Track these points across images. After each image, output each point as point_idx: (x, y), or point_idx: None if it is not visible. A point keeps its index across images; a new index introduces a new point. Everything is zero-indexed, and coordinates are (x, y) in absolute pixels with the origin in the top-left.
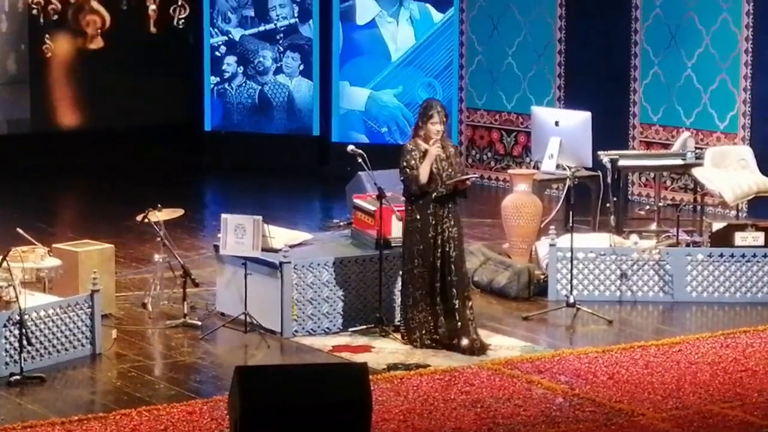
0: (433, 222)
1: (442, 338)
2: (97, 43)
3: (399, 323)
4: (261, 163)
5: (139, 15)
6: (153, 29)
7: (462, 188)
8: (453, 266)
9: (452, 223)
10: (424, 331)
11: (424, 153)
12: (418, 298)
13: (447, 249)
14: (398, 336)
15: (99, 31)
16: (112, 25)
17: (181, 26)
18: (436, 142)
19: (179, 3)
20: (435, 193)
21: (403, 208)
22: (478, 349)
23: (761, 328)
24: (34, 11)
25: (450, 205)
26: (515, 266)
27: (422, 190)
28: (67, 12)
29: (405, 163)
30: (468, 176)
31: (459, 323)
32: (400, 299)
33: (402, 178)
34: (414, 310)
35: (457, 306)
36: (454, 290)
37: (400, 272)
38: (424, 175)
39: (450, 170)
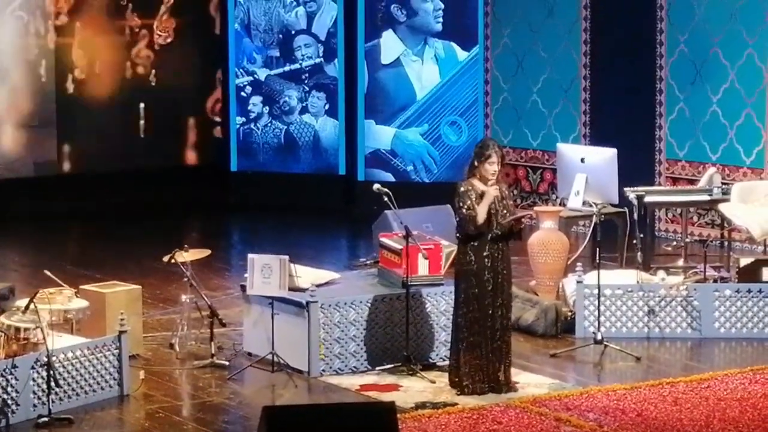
0: (489, 264)
1: (499, 384)
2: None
3: (447, 366)
4: (287, 202)
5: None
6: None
7: (517, 229)
8: (505, 309)
9: (505, 264)
10: (477, 378)
11: (481, 194)
12: (474, 343)
13: (501, 291)
14: (424, 375)
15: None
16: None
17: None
18: (494, 183)
19: None
20: (491, 234)
21: (430, 246)
22: (508, 386)
23: None
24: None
25: (503, 247)
26: (542, 303)
27: (479, 231)
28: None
29: (461, 204)
30: (525, 214)
31: (503, 362)
32: (450, 343)
33: (458, 219)
34: (468, 355)
35: (507, 349)
36: (507, 333)
37: (453, 315)
38: (482, 216)
39: (504, 211)
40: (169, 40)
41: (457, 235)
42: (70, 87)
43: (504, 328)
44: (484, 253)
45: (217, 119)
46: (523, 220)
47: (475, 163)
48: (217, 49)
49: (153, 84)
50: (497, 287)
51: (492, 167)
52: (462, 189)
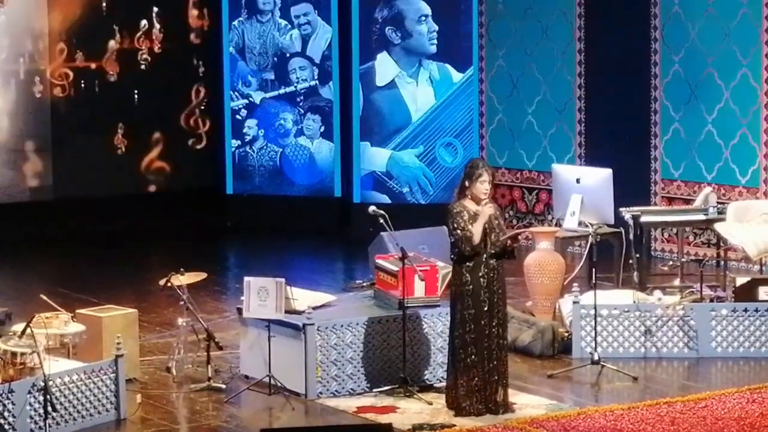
0: (485, 284)
1: (496, 405)
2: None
3: (444, 387)
4: (283, 225)
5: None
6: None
7: (511, 247)
8: (502, 329)
9: (500, 284)
10: (475, 399)
11: (473, 214)
12: (470, 364)
13: (497, 311)
14: (421, 396)
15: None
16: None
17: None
18: (488, 202)
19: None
20: (485, 254)
21: (426, 267)
22: (506, 407)
23: None
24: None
25: (498, 267)
26: (539, 324)
27: (475, 251)
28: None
29: (455, 225)
30: (521, 231)
31: (500, 383)
32: (447, 364)
33: (453, 240)
34: (465, 376)
35: (503, 369)
36: (503, 352)
37: (449, 337)
38: (477, 236)
39: (497, 230)
40: (150, 60)
41: (452, 256)
42: (66, 111)
43: (500, 348)
44: (480, 274)
45: (194, 132)
46: (519, 237)
47: (467, 184)
48: (212, 71)
49: (136, 104)
50: (493, 307)
51: (484, 186)
52: (455, 210)
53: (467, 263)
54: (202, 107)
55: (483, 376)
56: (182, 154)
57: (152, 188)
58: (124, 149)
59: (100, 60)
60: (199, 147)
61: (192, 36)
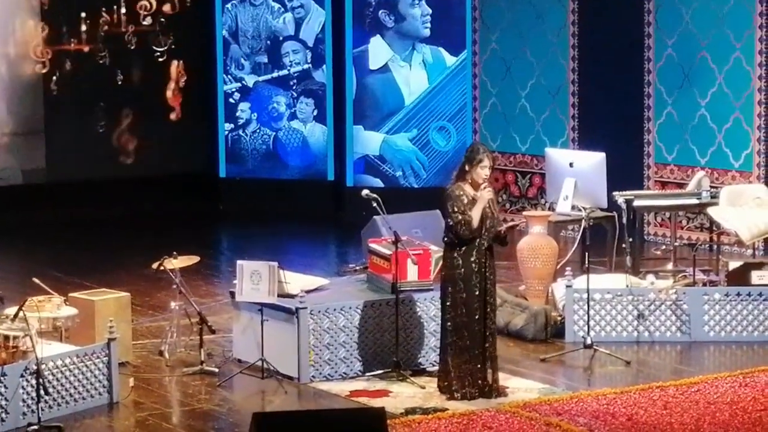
0: (476, 269)
1: (488, 388)
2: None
3: (435, 372)
4: (276, 208)
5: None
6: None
7: (504, 235)
8: (493, 314)
9: (492, 269)
10: (467, 382)
11: (472, 198)
12: (462, 348)
13: (489, 296)
14: (414, 380)
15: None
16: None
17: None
18: (486, 186)
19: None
20: (479, 240)
21: (419, 251)
22: (498, 390)
23: None
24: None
25: (489, 252)
26: (532, 308)
27: (473, 235)
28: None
29: (455, 209)
30: (517, 223)
31: (493, 367)
32: (439, 348)
33: (450, 223)
34: (456, 360)
35: (494, 353)
36: (494, 337)
37: (441, 320)
38: (476, 221)
39: (493, 216)
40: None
41: (445, 239)
42: (58, 94)
43: (491, 333)
44: (472, 258)
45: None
46: (514, 227)
47: (467, 168)
48: (205, 55)
49: (128, 87)
50: (484, 292)
51: (484, 171)
52: (456, 193)
53: (462, 248)
54: (182, 85)
55: (475, 359)
56: (175, 138)
57: (145, 172)
58: (117, 133)
59: (92, 43)
60: (173, 119)
61: (188, 18)
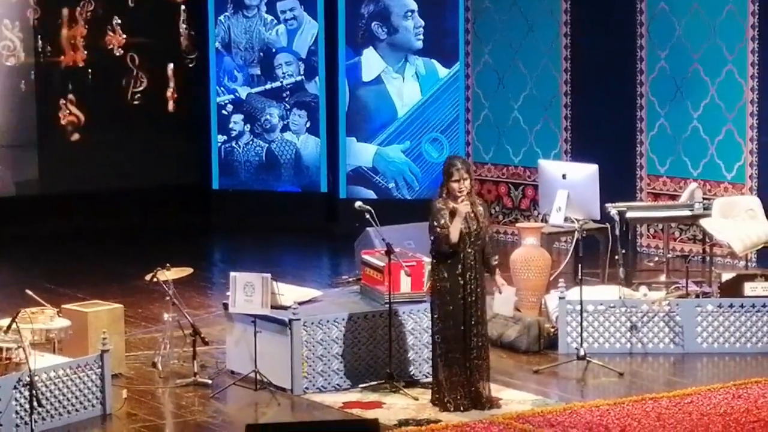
0: (462, 282)
1: (481, 400)
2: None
3: (428, 383)
4: (269, 220)
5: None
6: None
7: (494, 268)
8: (481, 326)
9: (479, 283)
10: (459, 394)
11: (452, 211)
12: (452, 360)
13: (475, 308)
14: (407, 392)
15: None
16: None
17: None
18: (464, 199)
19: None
20: (463, 252)
21: (412, 263)
22: (491, 402)
23: None
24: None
25: (476, 264)
26: (525, 320)
27: (453, 249)
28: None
29: (435, 222)
30: (501, 288)
31: (483, 378)
32: (431, 360)
33: (432, 237)
34: (447, 371)
35: (486, 365)
36: (485, 349)
37: (431, 332)
38: (455, 235)
39: (478, 229)
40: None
41: (432, 252)
42: (51, 106)
43: (481, 345)
44: (457, 271)
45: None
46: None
47: (444, 182)
48: (198, 67)
49: (123, 99)
50: (470, 305)
51: (458, 185)
52: (436, 207)
53: (447, 261)
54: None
55: (465, 371)
56: (169, 150)
57: (138, 183)
58: (111, 145)
59: (85, 55)
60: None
61: (182, 30)
